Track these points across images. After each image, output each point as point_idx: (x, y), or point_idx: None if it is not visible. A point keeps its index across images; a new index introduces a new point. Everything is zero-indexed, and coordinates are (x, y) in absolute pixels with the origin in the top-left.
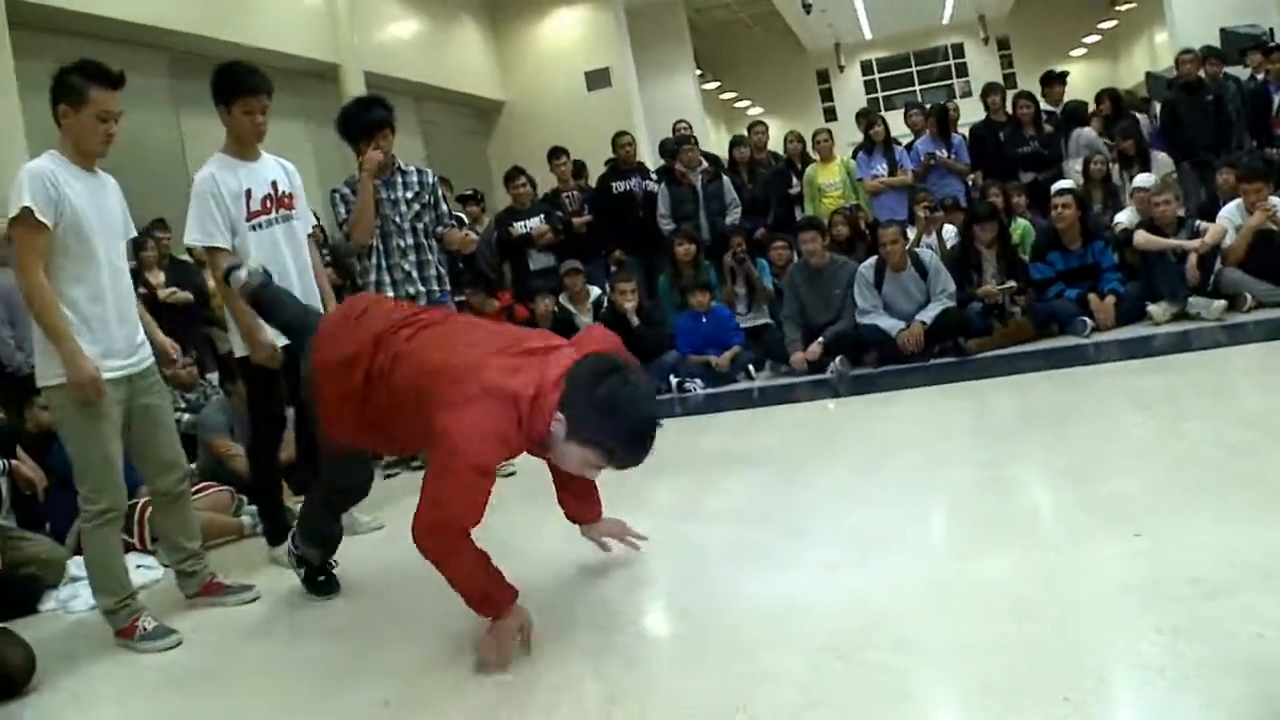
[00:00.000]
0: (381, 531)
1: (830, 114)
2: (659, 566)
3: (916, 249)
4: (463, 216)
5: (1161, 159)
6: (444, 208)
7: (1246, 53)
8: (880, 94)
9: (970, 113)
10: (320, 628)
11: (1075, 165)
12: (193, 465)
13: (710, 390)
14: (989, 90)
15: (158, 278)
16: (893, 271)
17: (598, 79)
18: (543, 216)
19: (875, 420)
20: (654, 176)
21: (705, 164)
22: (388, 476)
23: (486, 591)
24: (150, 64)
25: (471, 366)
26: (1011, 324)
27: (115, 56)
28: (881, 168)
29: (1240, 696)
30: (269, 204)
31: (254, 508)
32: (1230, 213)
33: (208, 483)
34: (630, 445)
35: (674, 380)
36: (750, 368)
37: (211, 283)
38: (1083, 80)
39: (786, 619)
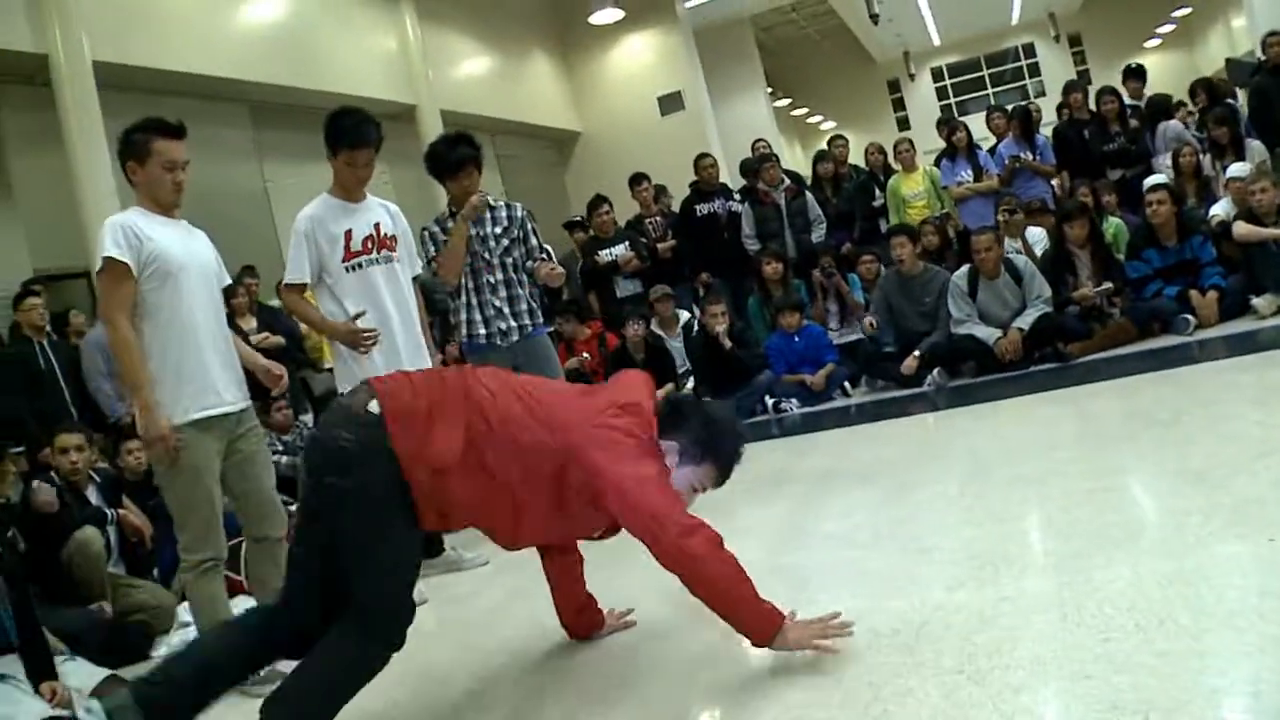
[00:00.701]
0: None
1: (903, 123)
2: (776, 592)
3: (1009, 255)
4: (549, 249)
5: (1256, 146)
6: (534, 241)
7: None
8: (953, 100)
9: (1044, 112)
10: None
11: (1164, 160)
12: (292, 507)
13: (807, 409)
14: (1070, 88)
15: (249, 323)
16: (986, 279)
17: (670, 103)
18: (627, 244)
19: (978, 433)
20: (737, 197)
21: (787, 181)
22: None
23: (756, 602)
24: (233, 115)
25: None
26: (1111, 326)
27: (198, 110)
28: (966, 173)
29: None
30: (369, 244)
31: None
32: None
33: None
34: (735, 460)
35: (770, 401)
36: (846, 384)
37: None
38: (1159, 72)
39: (917, 643)
